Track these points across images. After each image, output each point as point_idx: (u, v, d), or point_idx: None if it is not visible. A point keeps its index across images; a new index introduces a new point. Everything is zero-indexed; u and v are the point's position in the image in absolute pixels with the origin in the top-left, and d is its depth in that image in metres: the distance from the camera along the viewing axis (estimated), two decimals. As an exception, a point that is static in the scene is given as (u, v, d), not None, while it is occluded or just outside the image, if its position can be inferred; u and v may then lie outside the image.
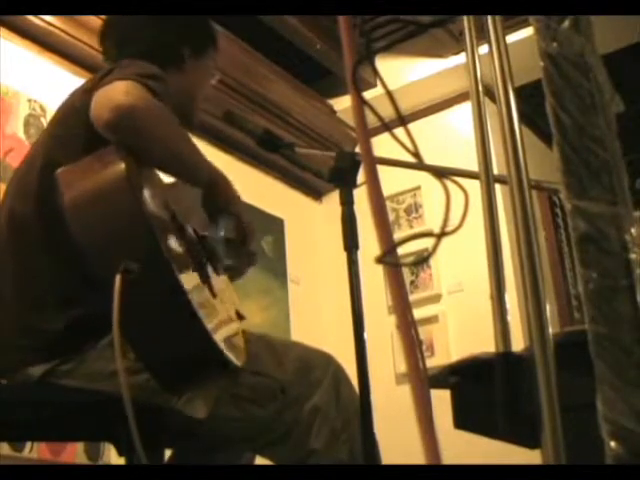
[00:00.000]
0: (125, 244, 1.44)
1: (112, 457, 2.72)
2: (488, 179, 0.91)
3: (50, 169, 1.56)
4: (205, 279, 1.62)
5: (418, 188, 4.26)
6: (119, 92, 1.52)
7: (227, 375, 1.57)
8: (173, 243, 1.54)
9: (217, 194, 1.74)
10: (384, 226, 0.78)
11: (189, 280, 1.50)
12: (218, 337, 1.49)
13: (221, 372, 1.55)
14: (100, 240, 1.45)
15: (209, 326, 1.46)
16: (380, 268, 0.82)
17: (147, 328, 1.44)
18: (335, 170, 1.63)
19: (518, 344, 0.86)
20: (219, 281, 1.73)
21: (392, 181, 3.82)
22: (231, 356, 1.51)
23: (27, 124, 3.05)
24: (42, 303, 1.59)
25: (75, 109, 1.67)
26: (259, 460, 1.78)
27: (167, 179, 1.69)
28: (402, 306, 0.79)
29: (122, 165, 1.47)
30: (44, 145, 1.72)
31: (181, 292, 1.44)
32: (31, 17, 3.07)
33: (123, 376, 1.32)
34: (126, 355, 1.57)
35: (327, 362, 1.70)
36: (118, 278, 1.35)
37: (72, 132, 1.64)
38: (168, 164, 1.63)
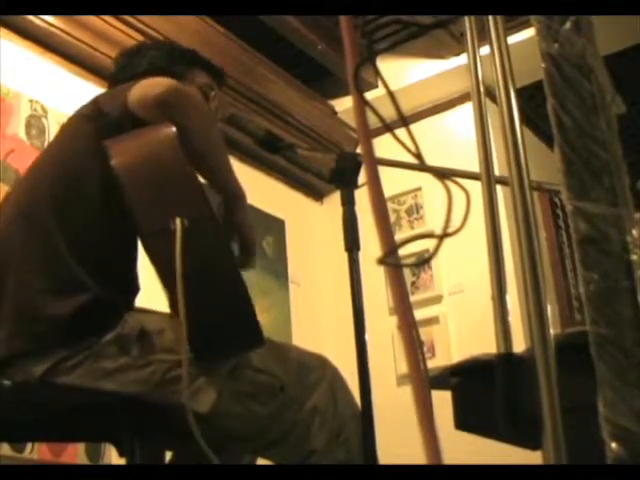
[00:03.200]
0: (177, 202, 1.48)
1: (113, 458, 2.72)
2: (489, 180, 0.91)
3: (64, 164, 1.68)
4: None
5: (419, 189, 4.26)
6: (165, 80, 1.60)
7: (233, 368, 1.58)
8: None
9: (243, 212, 1.68)
10: (385, 227, 0.78)
11: None
12: None
13: (248, 348, 1.57)
14: (153, 196, 1.49)
15: None
16: (381, 269, 0.82)
17: (194, 282, 1.44)
18: (336, 171, 1.63)
19: (519, 345, 0.86)
20: None
21: (393, 182, 3.82)
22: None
23: (28, 125, 3.05)
24: (49, 289, 1.59)
25: (86, 117, 1.69)
26: (259, 460, 1.78)
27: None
28: (403, 307, 0.79)
29: (173, 129, 1.53)
30: (58, 150, 1.76)
31: (230, 252, 1.52)
32: (32, 17, 3.07)
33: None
34: (128, 352, 1.57)
35: (323, 365, 1.71)
36: (179, 221, 1.40)
37: (83, 134, 1.67)
38: (205, 153, 1.62)
